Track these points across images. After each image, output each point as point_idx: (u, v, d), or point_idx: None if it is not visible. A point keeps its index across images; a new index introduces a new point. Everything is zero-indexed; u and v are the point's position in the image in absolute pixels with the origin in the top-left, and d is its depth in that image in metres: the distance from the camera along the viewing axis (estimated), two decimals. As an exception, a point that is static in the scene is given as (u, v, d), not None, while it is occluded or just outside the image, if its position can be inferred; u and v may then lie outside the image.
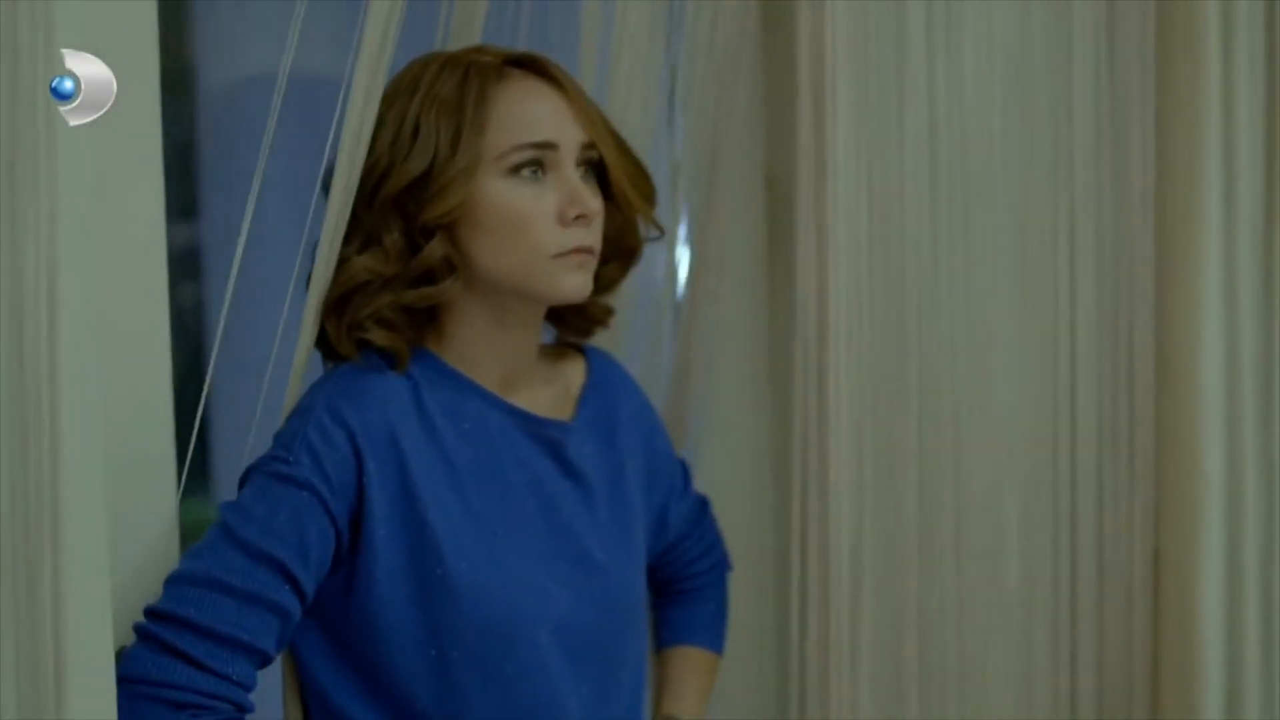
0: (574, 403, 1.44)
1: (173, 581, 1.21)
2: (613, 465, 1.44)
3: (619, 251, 1.43)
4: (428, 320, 1.36)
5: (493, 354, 1.36)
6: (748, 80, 1.79)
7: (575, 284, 1.32)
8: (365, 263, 1.30)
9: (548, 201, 1.31)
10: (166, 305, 1.27)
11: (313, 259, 1.31)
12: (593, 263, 1.34)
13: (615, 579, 1.39)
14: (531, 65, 1.35)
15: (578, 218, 1.31)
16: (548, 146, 1.31)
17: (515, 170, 1.30)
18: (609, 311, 1.48)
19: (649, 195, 1.41)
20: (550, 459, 1.38)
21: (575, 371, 1.47)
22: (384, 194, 1.29)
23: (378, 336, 1.31)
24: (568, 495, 1.38)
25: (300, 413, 1.29)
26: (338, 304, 1.31)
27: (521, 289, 1.32)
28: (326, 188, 1.31)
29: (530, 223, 1.30)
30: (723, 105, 1.72)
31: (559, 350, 1.49)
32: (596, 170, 1.36)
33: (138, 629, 1.20)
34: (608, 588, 1.38)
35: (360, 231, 1.31)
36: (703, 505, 1.64)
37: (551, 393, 1.43)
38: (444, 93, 1.31)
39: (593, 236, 1.33)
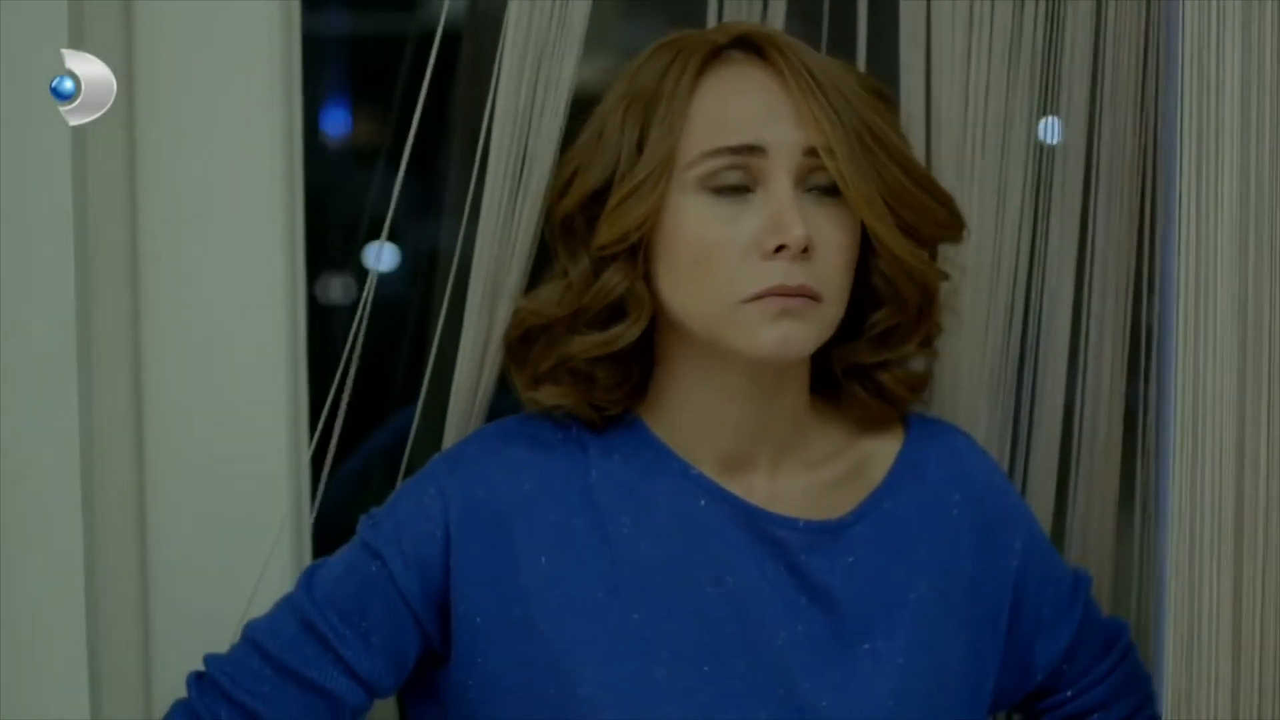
0: (868, 491, 1.13)
1: (243, 631, 1.10)
2: (900, 582, 1.10)
3: (910, 300, 1.10)
4: (645, 377, 1.12)
5: (707, 424, 1.10)
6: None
7: (777, 338, 1.03)
8: (546, 295, 1.09)
9: (745, 227, 1.04)
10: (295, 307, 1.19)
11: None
12: (810, 309, 1.04)
13: None
14: (752, 45, 1.08)
15: (779, 249, 1.03)
16: (751, 152, 1.04)
17: (711, 186, 1.05)
18: (916, 384, 1.14)
19: (928, 224, 1.09)
20: (782, 567, 1.09)
21: (884, 448, 1.15)
22: (559, 213, 1.09)
23: (557, 395, 1.09)
24: (793, 617, 1.08)
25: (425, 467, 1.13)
26: (516, 349, 1.12)
27: (715, 340, 1.06)
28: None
29: (715, 255, 1.04)
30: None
31: (872, 414, 1.15)
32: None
33: (188, 681, 1.09)
34: None
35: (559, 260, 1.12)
36: (1109, 639, 1.21)
37: (819, 478, 1.13)
38: (644, 82, 1.07)
39: (805, 274, 1.03)
